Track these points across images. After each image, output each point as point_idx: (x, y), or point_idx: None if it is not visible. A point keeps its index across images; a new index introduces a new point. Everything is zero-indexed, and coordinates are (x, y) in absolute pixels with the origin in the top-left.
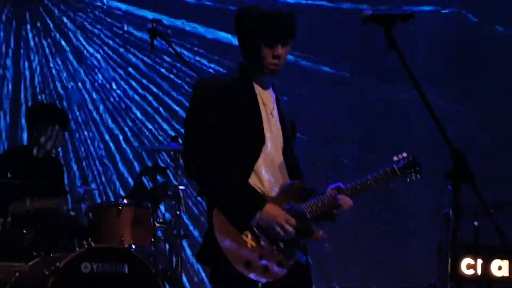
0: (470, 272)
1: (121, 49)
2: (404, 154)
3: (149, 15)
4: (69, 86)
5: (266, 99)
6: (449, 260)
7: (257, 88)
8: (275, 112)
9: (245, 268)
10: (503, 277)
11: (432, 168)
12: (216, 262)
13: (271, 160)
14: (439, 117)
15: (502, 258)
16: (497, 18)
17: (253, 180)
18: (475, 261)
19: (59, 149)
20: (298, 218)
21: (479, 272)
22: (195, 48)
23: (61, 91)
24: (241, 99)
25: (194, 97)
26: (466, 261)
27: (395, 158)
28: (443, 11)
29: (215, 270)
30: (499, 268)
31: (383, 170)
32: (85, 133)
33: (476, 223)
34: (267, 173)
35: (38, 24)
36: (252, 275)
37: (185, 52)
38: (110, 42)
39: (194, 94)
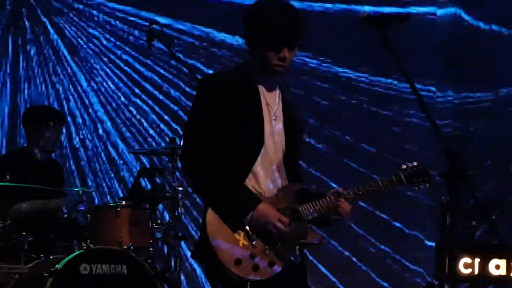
0: (468, 271)
1: (118, 50)
2: (414, 163)
3: (146, 14)
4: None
5: (270, 99)
6: (447, 259)
7: (261, 89)
8: (279, 114)
9: (235, 266)
10: (500, 276)
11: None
12: (208, 259)
13: (269, 162)
14: (436, 113)
15: (499, 257)
16: (492, 17)
17: (250, 181)
18: (473, 260)
19: (57, 151)
20: (293, 219)
21: (476, 271)
22: (193, 47)
23: (62, 96)
24: (244, 99)
25: (197, 96)
26: (463, 260)
27: (404, 166)
28: (438, 12)
29: (208, 267)
30: (496, 267)
31: (389, 177)
32: (84, 135)
33: (474, 222)
34: (265, 174)
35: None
36: (241, 273)
37: (183, 53)
38: (106, 43)
39: (197, 93)
